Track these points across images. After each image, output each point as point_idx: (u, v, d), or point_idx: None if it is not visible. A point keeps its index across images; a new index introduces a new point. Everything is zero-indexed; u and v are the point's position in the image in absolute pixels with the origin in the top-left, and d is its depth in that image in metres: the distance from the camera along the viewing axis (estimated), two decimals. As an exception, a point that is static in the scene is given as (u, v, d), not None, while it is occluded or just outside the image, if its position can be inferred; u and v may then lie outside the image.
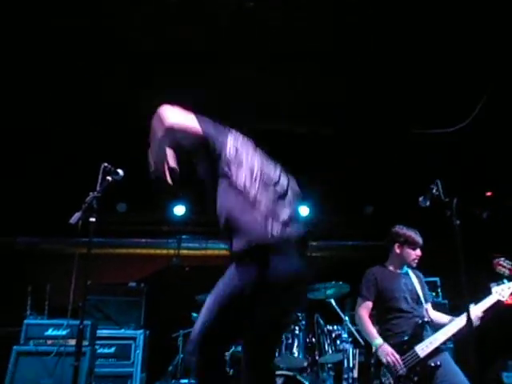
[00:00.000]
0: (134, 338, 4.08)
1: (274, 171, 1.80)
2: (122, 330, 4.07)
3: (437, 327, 2.52)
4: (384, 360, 2.40)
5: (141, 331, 4.12)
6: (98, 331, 3.83)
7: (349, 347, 3.45)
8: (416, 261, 2.67)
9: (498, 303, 2.51)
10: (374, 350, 2.53)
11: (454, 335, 2.42)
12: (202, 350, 1.52)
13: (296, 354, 3.54)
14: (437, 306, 2.92)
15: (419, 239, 2.66)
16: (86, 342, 3.58)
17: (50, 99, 3.75)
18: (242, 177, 1.65)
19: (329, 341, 3.58)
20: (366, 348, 3.39)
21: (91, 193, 2.03)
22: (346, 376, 3.39)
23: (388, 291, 2.59)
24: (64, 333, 3.55)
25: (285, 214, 1.60)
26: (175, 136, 1.64)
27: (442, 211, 2.19)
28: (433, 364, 2.36)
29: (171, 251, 5.66)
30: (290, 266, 1.52)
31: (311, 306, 4.13)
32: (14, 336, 3.71)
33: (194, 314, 3.92)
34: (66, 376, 3.13)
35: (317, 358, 3.56)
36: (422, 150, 4.32)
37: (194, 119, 1.66)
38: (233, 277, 1.53)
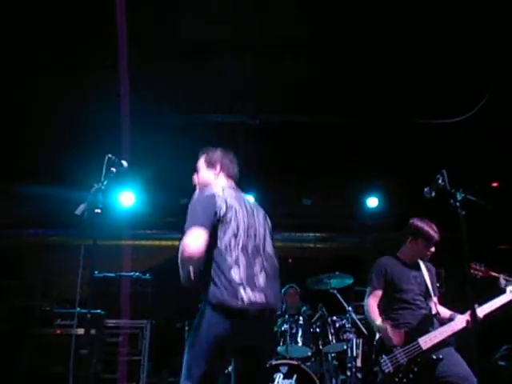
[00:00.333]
0: (141, 328, 4.14)
1: (256, 227, 2.03)
2: (130, 320, 4.14)
3: (443, 321, 2.51)
4: (386, 338, 2.40)
5: (147, 321, 4.18)
6: (106, 321, 3.89)
7: (352, 337, 3.48)
8: (428, 256, 2.65)
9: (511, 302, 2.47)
10: (376, 337, 2.54)
11: (459, 331, 2.41)
12: None
13: (300, 344, 3.58)
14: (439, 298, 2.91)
15: (435, 235, 2.60)
16: (93, 331, 3.64)
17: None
18: (226, 238, 1.89)
19: (332, 331, 3.61)
20: (369, 338, 3.41)
21: (95, 184, 2.04)
22: (349, 365, 3.43)
23: (397, 282, 2.58)
24: (73, 322, 3.62)
25: (259, 280, 1.87)
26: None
27: (447, 202, 2.18)
28: (435, 357, 2.36)
29: (176, 242, 5.68)
30: (248, 331, 1.80)
31: (315, 297, 4.16)
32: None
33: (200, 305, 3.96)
34: (76, 364, 3.19)
35: (320, 347, 3.60)
36: (428, 141, 4.28)
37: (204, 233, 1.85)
38: (201, 328, 1.81)
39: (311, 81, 3.79)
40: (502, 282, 3.03)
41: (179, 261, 1.87)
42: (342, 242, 6.02)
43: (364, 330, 3.48)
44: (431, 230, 2.61)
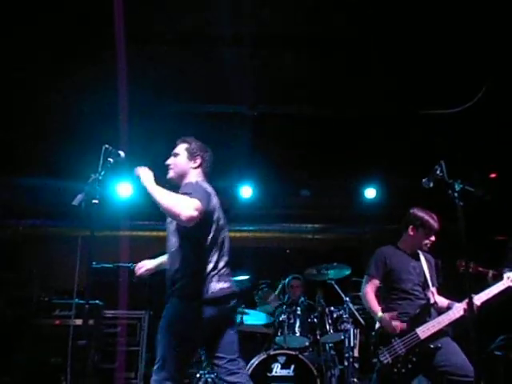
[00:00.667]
0: (138, 318, 4.16)
1: (225, 224, 2.18)
2: (127, 311, 4.15)
3: (440, 311, 2.52)
4: (389, 328, 2.41)
5: (145, 311, 4.19)
6: (104, 311, 3.90)
7: (350, 327, 3.50)
8: (428, 246, 2.65)
9: (508, 289, 2.48)
10: (376, 327, 2.55)
11: (456, 320, 2.42)
12: None
13: (298, 334, 3.61)
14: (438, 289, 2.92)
15: (435, 225, 2.60)
16: (91, 322, 3.65)
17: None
18: (211, 234, 2.07)
19: (330, 321, 3.64)
20: (366, 328, 3.44)
21: (93, 175, 2.02)
22: (346, 355, 3.46)
23: (395, 272, 2.58)
24: (71, 313, 3.63)
25: (226, 271, 2.09)
26: None
27: (445, 193, 2.17)
28: (433, 346, 2.38)
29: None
30: (218, 313, 2.02)
31: (312, 287, 4.18)
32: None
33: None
34: (74, 354, 3.21)
35: (318, 337, 3.63)
36: (427, 131, 4.26)
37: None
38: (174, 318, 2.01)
39: (310, 72, 3.76)
40: (491, 277, 3.06)
41: (168, 206, 1.93)
42: (340, 233, 6.04)
43: (361, 320, 3.50)
44: (431, 219, 2.60)
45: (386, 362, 2.39)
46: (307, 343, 3.63)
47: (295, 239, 6.04)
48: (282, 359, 3.45)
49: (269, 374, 3.39)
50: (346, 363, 3.45)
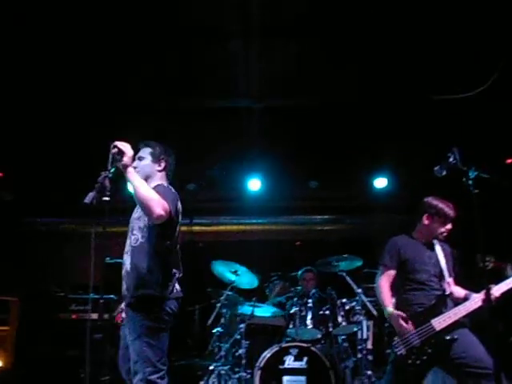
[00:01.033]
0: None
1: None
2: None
3: (457, 301, 2.47)
4: (396, 326, 2.38)
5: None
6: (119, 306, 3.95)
7: (362, 319, 3.48)
8: (444, 234, 2.58)
9: None
10: (387, 319, 2.52)
11: (474, 311, 2.38)
12: None
13: (310, 326, 3.61)
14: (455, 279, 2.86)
15: (451, 213, 2.53)
16: (106, 316, 3.71)
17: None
18: (174, 239, 2.20)
19: (342, 313, 3.62)
20: (379, 320, 3.42)
21: (102, 172, 2.03)
22: (360, 347, 3.45)
23: (410, 262, 2.53)
24: (87, 307, 3.71)
25: (178, 274, 2.21)
26: None
27: (459, 181, 2.12)
28: (449, 337, 2.34)
29: (184, 227, 5.71)
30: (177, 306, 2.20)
31: (324, 280, 4.17)
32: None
33: (209, 289, 4.00)
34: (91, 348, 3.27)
35: (330, 329, 3.62)
36: (439, 118, 4.16)
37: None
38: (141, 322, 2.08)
39: (318, 61, 3.70)
40: (510, 271, 2.98)
41: (145, 197, 2.02)
42: (350, 224, 5.99)
43: (374, 311, 3.47)
44: (446, 207, 2.54)
45: (400, 353, 2.37)
46: (319, 335, 3.63)
47: (305, 231, 6.02)
48: (294, 351, 3.45)
49: (281, 367, 3.40)
50: (359, 355, 3.44)
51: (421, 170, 3.39)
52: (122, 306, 2.30)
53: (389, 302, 2.48)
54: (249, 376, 3.45)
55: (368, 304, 3.50)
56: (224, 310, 3.80)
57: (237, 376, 3.49)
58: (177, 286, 2.19)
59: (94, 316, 3.52)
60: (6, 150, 4.32)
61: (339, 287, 3.86)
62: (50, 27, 3.15)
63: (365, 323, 3.46)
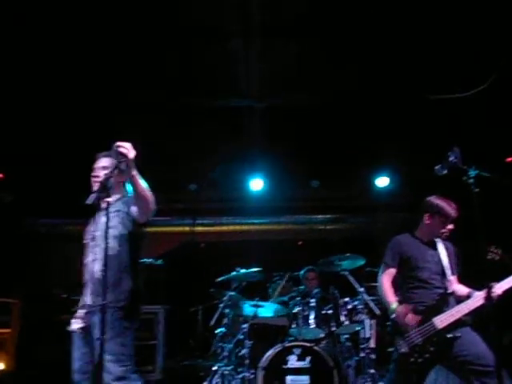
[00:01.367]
0: (155, 313, 4.21)
1: None
2: (144, 306, 4.20)
3: (460, 299, 2.47)
4: (401, 322, 2.37)
5: (161, 306, 4.25)
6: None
7: (365, 318, 3.48)
8: (446, 234, 2.58)
9: None
10: (391, 317, 2.52)
11: (476, 309, 2.37)
12: None
13: (312, 326, 3.60)
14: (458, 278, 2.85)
15: (452, 212, 2.53)
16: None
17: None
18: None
19: (345, 312, 3.62)
20: (382, 319, 3.41)
21: (104, 173, 2.04)
22: (362, 346, 3.44)
23: (412, 260, 2.53)
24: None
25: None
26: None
27: (459, 180, 2.12)
28: (451, 335, 2.33)
29: (186, 228, 5.74)
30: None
31: (326, 279, 4.17)
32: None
33: (212, 290, 4.00)
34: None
35: (333, 329, 3.62)
36: (439, 117, 4.16)
37: None
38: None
39: (318, 61, 3.70)
40: None
41: (147, 194, 2.13)
42: (352, 223, 5.99)
43: (377, 310, 3.47)
44: (448, 207, 2.54)
45: (402, 351, 2.37)
46: (322, 335, 3.63)
47: (307, 231, 6.02)
48: (297, 351, 3.45)
49: (284, 366, 3.41)
50: (362, 354, 3.43)
51: (422, 168, 3.39)
52: (81, 313, 2.30)
53: (393, 299, 2.48)
54: (252, 376, 3.45)
55: (370, 303, 3.50)
56: (227, 311, 3.80)
57: (240, 376, 3.50)
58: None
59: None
60: (6, 151, 4.33)
61: (342, 286, 3.85)
62: (50, 27, 3.16)
63: (367, 322, 3.46)
